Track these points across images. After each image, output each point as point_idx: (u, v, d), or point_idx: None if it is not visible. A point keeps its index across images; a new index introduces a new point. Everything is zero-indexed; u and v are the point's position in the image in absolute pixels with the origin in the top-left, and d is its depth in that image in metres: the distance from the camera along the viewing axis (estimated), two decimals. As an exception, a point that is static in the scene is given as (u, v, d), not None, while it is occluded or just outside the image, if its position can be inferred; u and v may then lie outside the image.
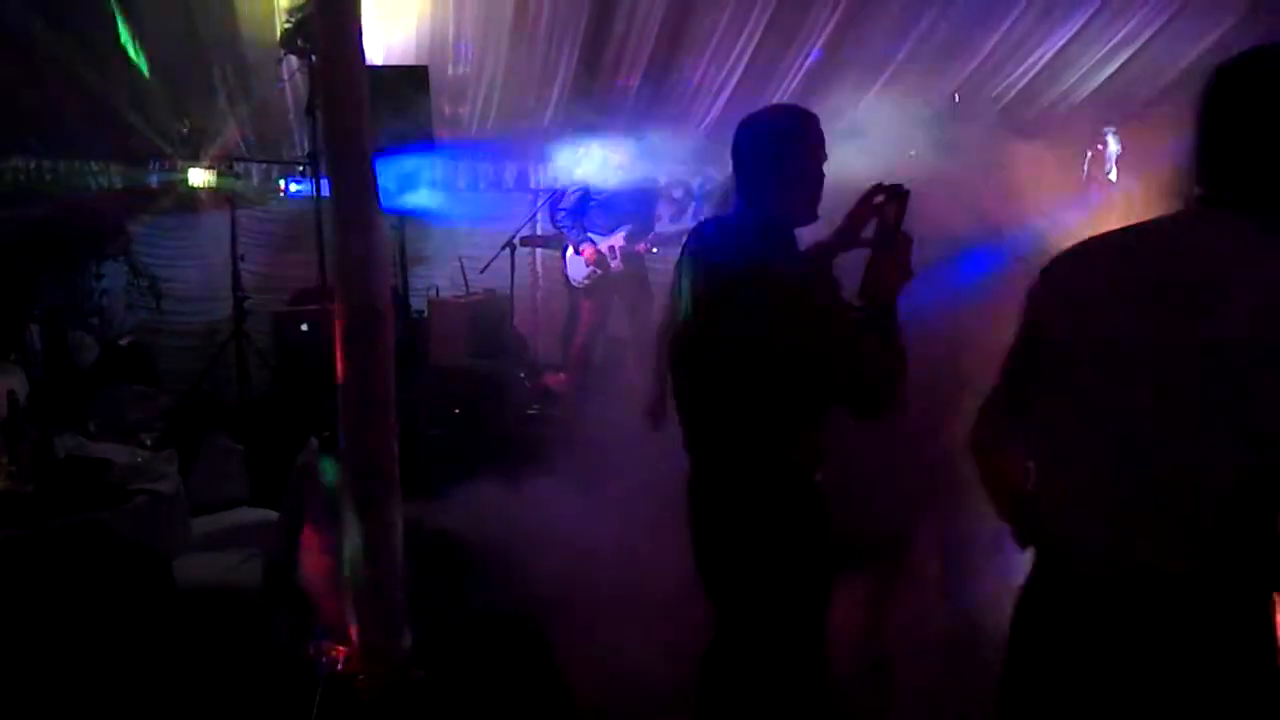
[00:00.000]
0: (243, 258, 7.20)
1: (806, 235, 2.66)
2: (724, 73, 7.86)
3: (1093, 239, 1.93)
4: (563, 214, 7.11)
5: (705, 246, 2.65)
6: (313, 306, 6.66)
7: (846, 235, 2.67)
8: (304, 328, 6.81)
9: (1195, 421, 1.71)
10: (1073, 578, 1.89)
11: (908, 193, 2.43)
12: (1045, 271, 1.95)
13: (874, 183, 2.57)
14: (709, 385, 2.58)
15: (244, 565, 3.70)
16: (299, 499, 3.63)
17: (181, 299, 7.61)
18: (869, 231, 2.56)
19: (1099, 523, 1.81)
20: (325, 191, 6.14)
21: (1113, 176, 6.97)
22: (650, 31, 7.40)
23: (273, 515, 4.12)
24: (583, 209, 7.09)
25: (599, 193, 7.03)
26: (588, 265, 7.00)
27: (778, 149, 2.54)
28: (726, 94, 8.03)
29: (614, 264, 7.02)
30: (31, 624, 2.72)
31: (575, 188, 7.08)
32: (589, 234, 7.05)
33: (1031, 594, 1.99)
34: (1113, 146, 6.97)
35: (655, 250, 6.96)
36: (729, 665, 2.69)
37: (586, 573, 4.35)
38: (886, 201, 2.47)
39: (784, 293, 2.40)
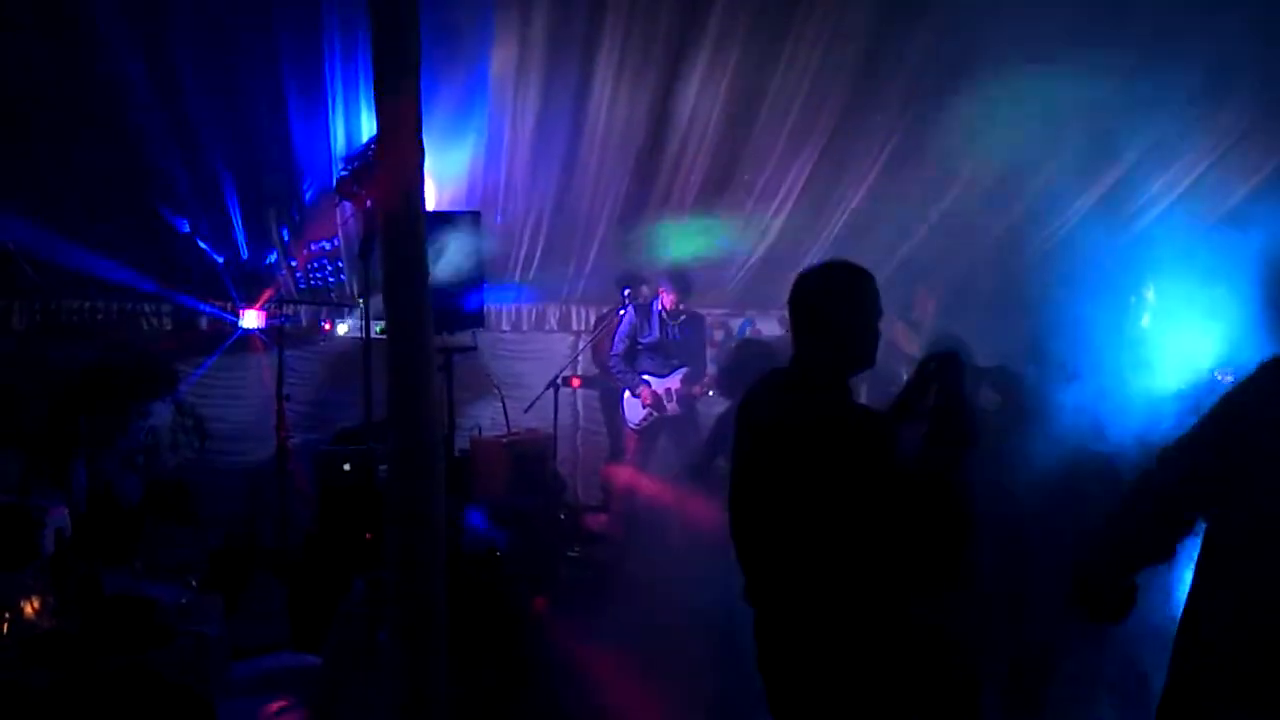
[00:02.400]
0: (288, 397, 7.27)
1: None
2: (767, 218, 8.01)
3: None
4: (614, 359, 7.18)
5: (759, 400, 2.70)
6: (356, 446, 6.67)
7: (907, 403, 2.66)
8: (346, 467, 6.80)
9: None
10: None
11: (961, 360, 2.50)
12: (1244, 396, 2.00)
13: (926, 356, 2.64)
14: (771, 536, 2.56)
15: (285, 713, 3.61)
16: (344, 646, 3.57)
17: (226, 438, 7.65)
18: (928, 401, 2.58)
19: None
20: (374, 331, 6.31)
21: (1144, 323, 6.91)
22: (695, 181, 7.59)
23: (314, 660, 4.05)
24: (634, 353, 7.16)
25: (647, 337, 7.10)
26: (644, 408, 7.03)
27: (830, 306, 2.62)
28: (770, 240, 8.17)
29: (670, 406, 7.06)
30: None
31: (620, 330, 7.17)
32: (643, 377, 7.10)
33: None
34: (1150, 296, 6.92)
35: (711, 394, 6.95)
36: None
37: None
38: (941, 370, 2.52)
39: (833, 444, 2.44)
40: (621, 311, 7.33)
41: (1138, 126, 6.74)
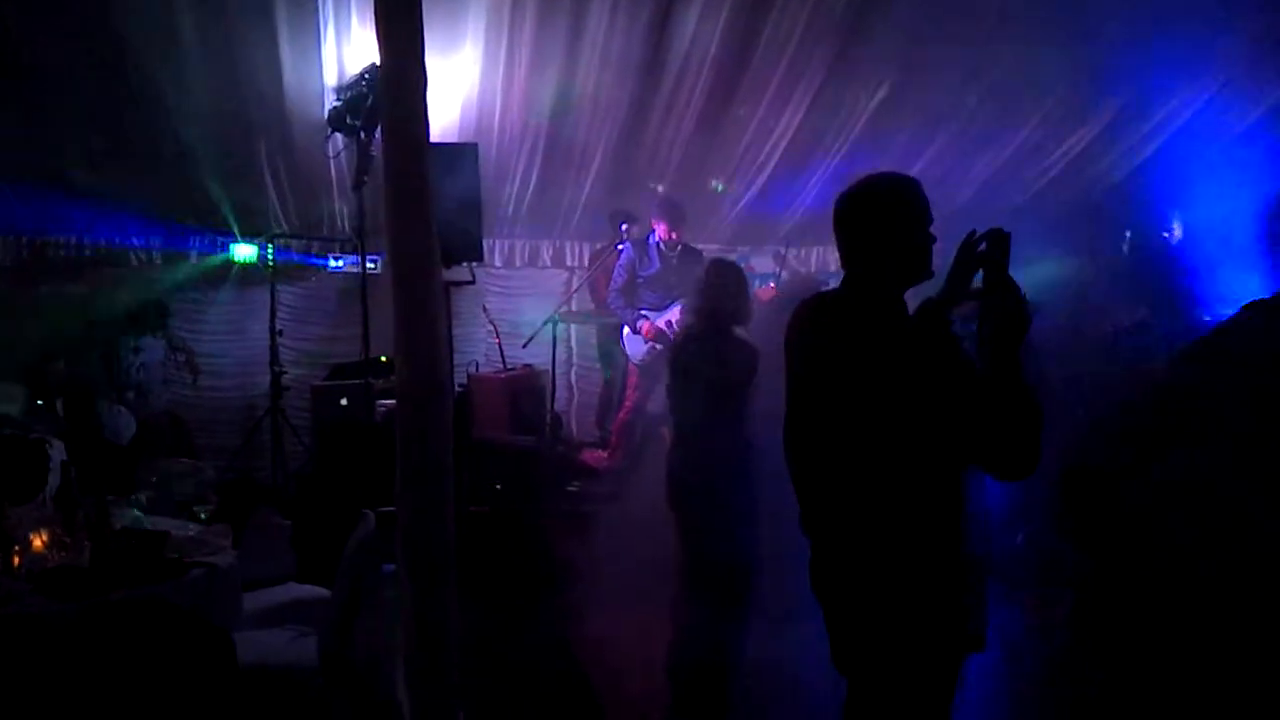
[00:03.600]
0: (281, 333, 7.23)
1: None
2: (764, 153, 7.91)
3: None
4: (614, 295, 7.12)
5: (810, 323, 2.60)
6: (354, 381, 6.64)
7: (954, 289, 2.50)
8: (343, 402, 6.79)
9: None
10: None
11: (1008, 235, 2.33)
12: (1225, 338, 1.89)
13: (970, 231, 2.46)
14: (829, 462, 2.50)
15: (297, 643, 3.62)
16: (355, 577, 3.57)
17: (219, 373, 7.62)
18: (978, 282, 2.41)
19: None
20: (370, 266, 6.24)
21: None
22: (690, 116, 7.47)
23: (321, 592, 4.06)
24: (632, 289, 7.11)
25: (648, 270, 7.05)
26: (647, 342, 6.99)
27: (873, 219, 2.52)
28: (765, 175, 8.08)
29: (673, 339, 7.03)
30: (94, 700, 2.65)
31: (620, 264, 7.11)
32: (642, 311, 7.06)
33: None
34: (1177, 231, 6.93)
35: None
36: None
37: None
38: (989, 248, 2.37)
39: (885, 360, 2.35)
40: (620, 247, 7.27)
41: (1142, 54, 6.62)
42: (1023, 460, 2.23)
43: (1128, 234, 7.18)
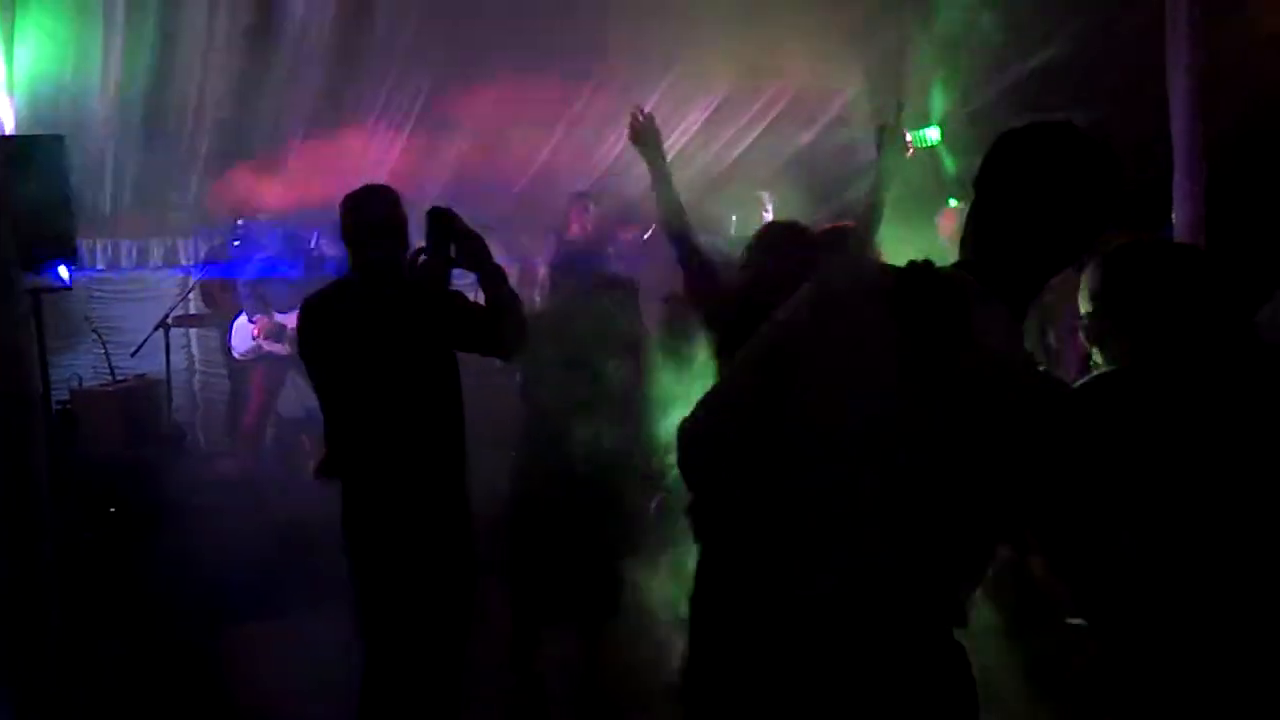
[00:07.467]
0: None
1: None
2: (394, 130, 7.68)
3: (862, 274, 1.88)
4: (245, 286, 6.77)
5: (338, 308, 3.19)
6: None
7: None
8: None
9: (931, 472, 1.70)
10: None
11: (444, 210, 3.12)
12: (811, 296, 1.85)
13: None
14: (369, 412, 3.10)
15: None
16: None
17: None
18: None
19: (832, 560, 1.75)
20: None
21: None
22: (308, 96, 7.10)
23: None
24: (269, 279, 6.77)
25: (288, 269, 6.75)
26: (254, 338, 6.68)
27: (364, 225, 3.16)
28: (397, 151, 7.84)
29: (283, 345, 6.73)
30: None
31: (256, 259, 6.77)
32: (272, 308, 6.74)
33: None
34: (766, 205, 7.47)
35: None
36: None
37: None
38: (434, 220, 3.10)
39: (407, 313, 3.06)
40: (234, 244, 6.90)
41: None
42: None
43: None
